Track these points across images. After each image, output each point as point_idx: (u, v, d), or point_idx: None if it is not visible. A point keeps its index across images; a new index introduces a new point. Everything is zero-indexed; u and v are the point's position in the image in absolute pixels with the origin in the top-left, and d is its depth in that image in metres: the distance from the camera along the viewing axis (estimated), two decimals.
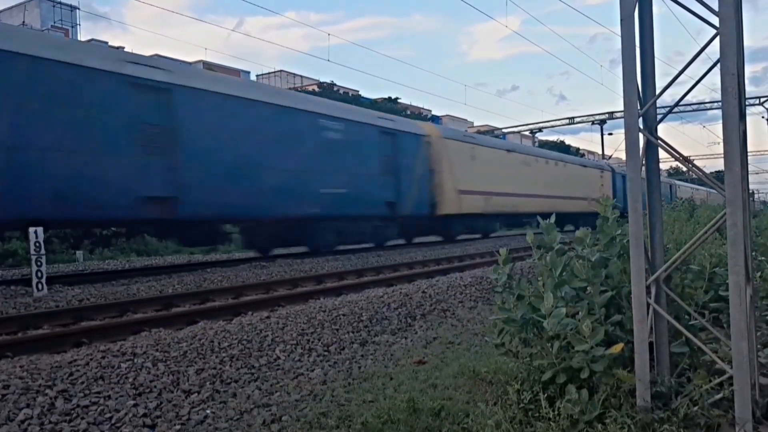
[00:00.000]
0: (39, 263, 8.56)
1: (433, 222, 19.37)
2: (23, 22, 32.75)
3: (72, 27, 39.36)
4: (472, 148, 21.52)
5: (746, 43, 2.92)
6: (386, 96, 47.47)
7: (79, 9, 45.60)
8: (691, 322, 2.95)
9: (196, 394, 4.01)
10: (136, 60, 11.34)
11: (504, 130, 48.58)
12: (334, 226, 15.52)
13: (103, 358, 4.39)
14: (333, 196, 14.60)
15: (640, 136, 2.59)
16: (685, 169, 52.35)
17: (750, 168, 5.62)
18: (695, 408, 2.51)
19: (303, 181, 13.87)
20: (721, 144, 2.38)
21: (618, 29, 2.59)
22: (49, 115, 9.43)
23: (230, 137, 12.24)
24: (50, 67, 9.46)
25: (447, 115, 59.74)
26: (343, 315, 6.32)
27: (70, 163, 9.69)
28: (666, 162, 60.13)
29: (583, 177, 30.57)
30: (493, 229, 23.12)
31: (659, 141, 2.68)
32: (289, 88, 36.98)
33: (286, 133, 13.58)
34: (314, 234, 15.30)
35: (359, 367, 4.68)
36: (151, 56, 21.21)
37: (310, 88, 43.50)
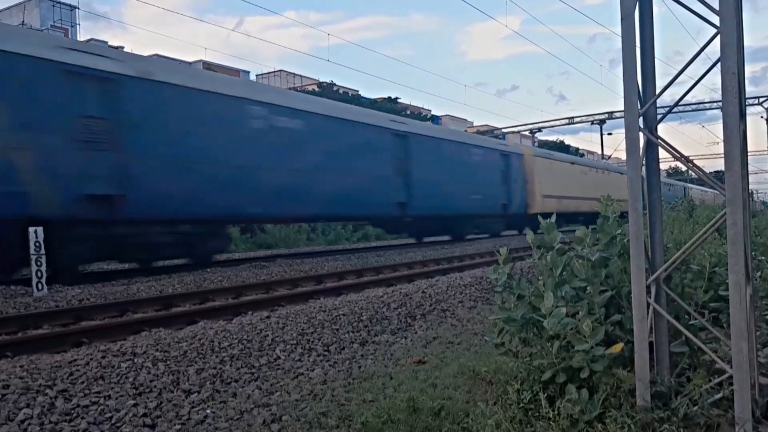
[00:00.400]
0: (39, 263, 8.57)
1: (525, 219, 24.87)
2: (23, 21, 32.68)
3: (71, 27, 39.32)
4: (550, 162, 27.80)
5: (746, 43, 2.92)
6: (386, 96, 47.38)
7: (78, 8, 45.63)
8: (691, 322, 2.94)
9: (196, 393, 4.02)
10: (394, 118, 19.21)
11: (504, 130, 48.39)
12: (472, 221, 22.27)
13: (103, 357, 4.39)
14: (475, 200, 21.08)
15: (641, 135, 2.59)
16: (684, 168, 52.32)
17: (750, 168, 5.61)
18: (695, 408, 2.51)
19: (463, 191, 20.32)
20: (721, 144, 2.38)
21: (618, 29, 2.60)
22: (375, 158, 16.54)
23: (431, 164, 18.73)
24: (366, 129, 16.46)
25: (447, 115, 59.56)
26: (343, 315, 6.32)
27: (372, 183, 16.20)
28: (665, 162, 60.15)
29: (621, 182, 33.63)
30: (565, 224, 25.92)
31: (659, 140, 2.68)
32: (289, 88, 36.99)
33: (458, 159, 20.52)
34: (459, 226, 21.87)
35: (359, 367, 4.68)
36: (151, 56, 21.52)
37: (309, 88, 43.41)
